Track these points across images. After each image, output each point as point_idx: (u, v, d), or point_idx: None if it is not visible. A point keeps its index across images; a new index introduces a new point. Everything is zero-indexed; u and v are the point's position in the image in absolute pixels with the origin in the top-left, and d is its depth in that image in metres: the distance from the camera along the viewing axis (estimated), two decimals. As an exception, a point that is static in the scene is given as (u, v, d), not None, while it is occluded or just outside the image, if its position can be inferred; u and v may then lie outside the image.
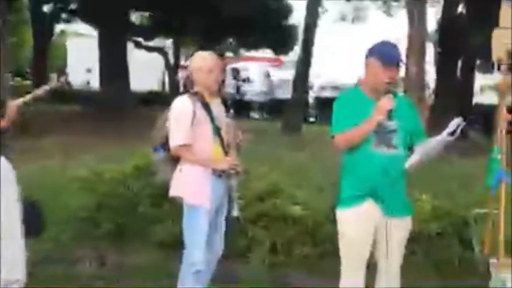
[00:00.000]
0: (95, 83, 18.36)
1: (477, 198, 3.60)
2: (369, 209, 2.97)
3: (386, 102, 2.87)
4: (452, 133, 2.85)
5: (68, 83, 18.71)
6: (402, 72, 9.54)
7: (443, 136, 2.87)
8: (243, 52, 24.93)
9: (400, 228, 3.05)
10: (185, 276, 3.33)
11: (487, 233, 3.38)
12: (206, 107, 3.31)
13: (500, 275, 3.01)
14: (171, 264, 3.82)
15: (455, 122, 2.88)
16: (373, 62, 2.94)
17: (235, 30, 18.89)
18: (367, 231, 3.00)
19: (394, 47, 2.99)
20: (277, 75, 24.83)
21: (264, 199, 4.45)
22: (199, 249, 3.26)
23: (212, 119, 3.31)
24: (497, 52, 3.30)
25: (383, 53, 2.94)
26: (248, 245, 4.32)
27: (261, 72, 24.87)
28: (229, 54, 24.27)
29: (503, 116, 3.18)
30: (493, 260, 3.19)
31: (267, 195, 4.48)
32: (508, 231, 3.10)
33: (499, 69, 3.33)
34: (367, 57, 2.98)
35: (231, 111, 3.48)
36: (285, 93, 18.03)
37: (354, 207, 2.98)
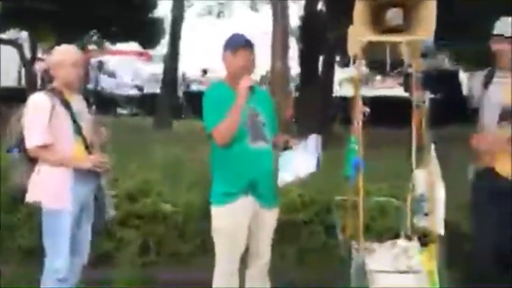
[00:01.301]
0: None
1: (339, 186, 3.79)
2: (245, 203, 3.03)
3: (245, 82, 2.95)
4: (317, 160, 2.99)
5: None
6: (268, 67, 9.83)
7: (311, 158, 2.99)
8: (108, 45, 23.97)
9: (270, 218, 3.16)
10: (47, 284, 3.12)
11: (347, 219, 3.57)
12: (65, 103, 3.11)
13: (359, 259, 3.19)
14: (31, 272, 3.56)
15: (313, 140, 3.01)
16: (227, 54, 3.09)
17: (98, 23, 18.06)
18: (242, 226, 3.06)
19: (240, 35, 3.14)
20: (147, 69, 24.32)
21: (134, 198, 4.32)
22: (62, 255, 3.06)
23: (73, 117, 3.12)
24: (353, 48, 3.48)
25: (230, 42, 3.09)
26: (117, 246, 4.17)
27: (127, 66, 24.19)
28: (92, 47, 23.18)
29: (359, 107, 3.35)
30: (354, 245, 3.37)
31: (137, 193, 4.35)
32: (365, 217, 3.29)
33: (354, 63, 3.51)
34: (223, 52, 3.11)
35: (93, 107, 3.30)
36: (155, 87, 17.72)
37: (231, 203, 3.02)
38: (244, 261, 3.18)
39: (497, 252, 3.30)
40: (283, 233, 3.99)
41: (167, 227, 4.25)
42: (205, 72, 22.03)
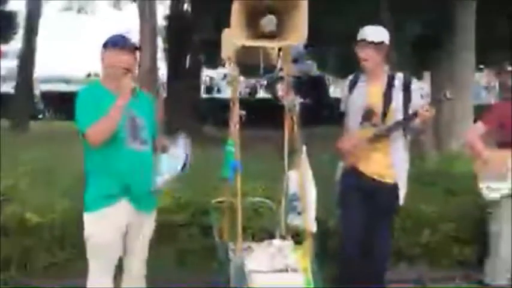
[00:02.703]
0: None
1: (216, 188, 3.80)
2: (121, 208, 2.93)
3: (127, 83, 2.87)
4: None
5: None
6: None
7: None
8: None
9: (147, 221, 3.08)
10: None
11: (225, 221, 3.60)
12: None
13: (238, 260, 3.23)
14: None
15: (181, 141, 3.00)
16: (103, 54, 2.99)
17: None
18: (118, 232, 2.95)
19: (120, 35, 3.07)
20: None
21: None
22: None
23: None
24: (227, 51, 3.52)
25: (108, 42, 3.00)
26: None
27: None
28: None
29: (235, 110, 3.40)
30: (231, 246, 3.41)
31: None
32: (243, 218, 3.34)
33: (229, 65, 3.54)
34: (101, 51, 3.00)
35: None
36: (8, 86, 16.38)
37: (105, 207, 2.90)
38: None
39: (361, 250, 3.52)
40: (160, 235, 3.93)
41: (34, 237, 3.96)
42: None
